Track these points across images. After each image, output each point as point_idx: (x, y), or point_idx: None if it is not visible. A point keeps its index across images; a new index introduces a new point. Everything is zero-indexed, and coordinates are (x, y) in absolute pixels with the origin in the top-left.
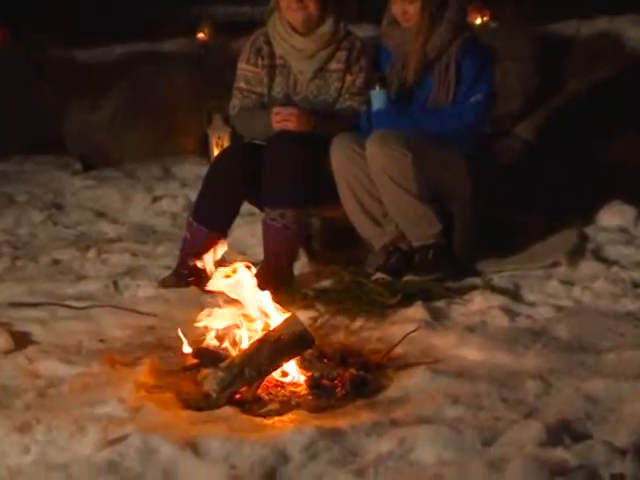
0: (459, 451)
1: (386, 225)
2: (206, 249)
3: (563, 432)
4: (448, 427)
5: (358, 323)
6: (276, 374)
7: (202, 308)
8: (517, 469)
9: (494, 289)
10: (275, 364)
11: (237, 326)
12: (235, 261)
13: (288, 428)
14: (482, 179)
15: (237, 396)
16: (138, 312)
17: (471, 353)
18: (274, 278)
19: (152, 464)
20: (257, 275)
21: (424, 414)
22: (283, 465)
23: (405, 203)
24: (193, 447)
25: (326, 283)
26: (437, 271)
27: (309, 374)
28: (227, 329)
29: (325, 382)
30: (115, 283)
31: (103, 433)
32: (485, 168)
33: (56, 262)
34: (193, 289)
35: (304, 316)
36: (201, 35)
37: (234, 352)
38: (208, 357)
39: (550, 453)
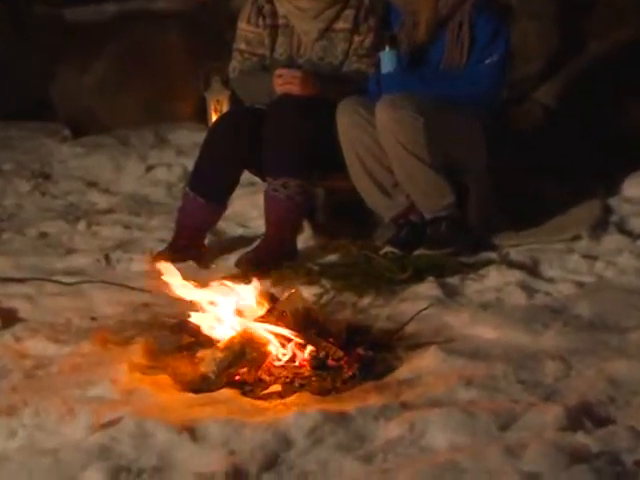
0: (473, 436)
1: (396, 196)
2: (204, 221)
3: (584, 416)
4: (461, 410)
5: (366, 300)
6: (278, 354)
7: (199, 284)
8: (535, 455)
9: (511, 264)
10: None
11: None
12: (234, 239)
13: (291, 411)
14: (498, 146)
15: (237, 377)
16: (131, 288)
17: (486, 332)
18: (276, 252)
19: (146, 449)
20: (258, 249)
21: (436, 397)
22: (286, 450)
23: (416, 172)
24: (190, 431)
25: (332, 258)
26: (450, 245)
27: (313, 354)
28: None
29: (330, 363)
30: (107, 257)
31: (94, 416)
32: (501, 135)
33: (44, 235)
34: (189, 264)
35: (308, 293)
36: None
37: (234, 331)
38: (206, 336)
39: (570, 438)
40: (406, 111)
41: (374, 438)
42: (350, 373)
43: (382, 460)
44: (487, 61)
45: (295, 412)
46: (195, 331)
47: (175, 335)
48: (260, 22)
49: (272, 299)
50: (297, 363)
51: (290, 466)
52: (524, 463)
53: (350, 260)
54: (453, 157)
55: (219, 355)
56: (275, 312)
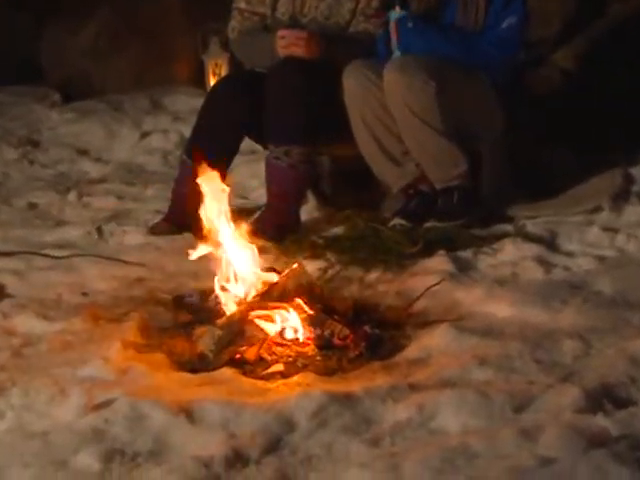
0: (487, 418)
1: (405, 165)
2: (201, 192)
3: (604, 398)
4: (474, 392)
5: (373, 275)
6: (281, 332)
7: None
8: (552, 438)
9: (527, 237)
10: (279, 322)
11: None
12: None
13: (294, 392)
14: (514, 113)
15: (237, 356)
16: (125, 262)
17: (501, 309)
18: (278, 224)
19: (141, 432)
20: (259, 220)
21: (447, 377)
22: (288, 433)
23: (427, 139)
24: (187, 413)
25: (337, 230)
26: (462, 216)
27: (318, 332)
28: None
29: (336, 341)
30: (99, 229)
31: (86, 397)
32: (518, 101)
33: (32, 206)
34: (186, 236)
35: (312, 267)
36: None
37: (234, 307)
38: (204, 312)
39: (589, 421)
40: (417, 75)
41: (381, 420)
42: (356, 352)
43: (390, 444)
44: (504, 25)
45: (298, 393)
46: (193, 307)
47: (171, 312)
48: None
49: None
50: (301, 341)
51: (293, 450)
52: (540, 447)
53: (357, 233)
54: (466, 124)
55: (218, 333)
56: (277, 288)
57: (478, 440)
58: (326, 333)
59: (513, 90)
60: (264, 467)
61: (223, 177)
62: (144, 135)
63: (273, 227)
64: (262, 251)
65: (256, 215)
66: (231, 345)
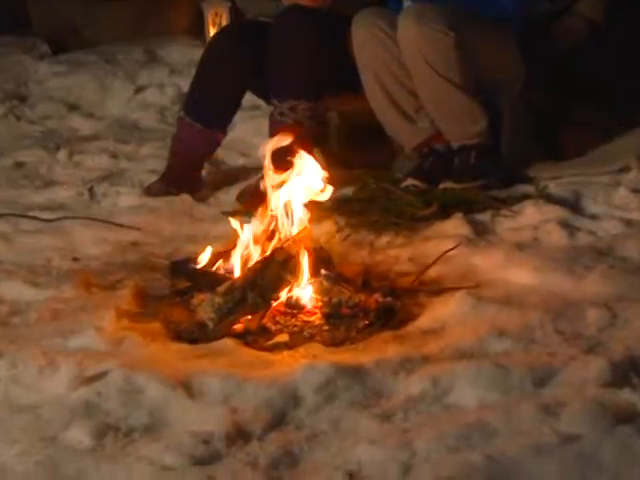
0: (505, 393)
1: (419, 121)
2: (200, 150)
3: (631, 370)
4: (492, 364)
5: (385, 239)
6: (285, 300)
7: (194, 220)
8: (575, 414)
9: (549, 199)
10: (284, 288)
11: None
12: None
13: (300, 364)
14: (536, 66)
15: (238, 326)
16: (119, 225)
17: (521, 276)
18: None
19: (136, 406)
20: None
21: (463, 348)
22: (294, 408)
23: (445, 94)
24: (186, 386)
25: (346, 191)
26: (481, 176)
27: (325, 300)
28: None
29: (344, 310)
30: (91, 190)
31: (78, 369)
32: (541, 52)
33: (19, 165)
34: (184, 197)
35: (320, 230)
36: None
37: (235, 273)
38: (204, 279)
39: (615, 395)
40: (435, 24)
41: (393, 394)
42: (366, 322)
43: (402, 419)
44: None
45: (304, 365)
46: (191, 273)
47: (168, 278)
48: None
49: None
50: (307, 310)
51: (298, 426)
52: (562, 423)
53: (367, 194)
54: (486, 77)
55: (218, 300)
56: (281, 253)
57: (496, 416)
58: (334, 301)
59: (535, 41)
60: (267, 444)
61: (223, 135)
62: (139, 89)
63: None
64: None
65: (260, 175)
66: (232, 314)
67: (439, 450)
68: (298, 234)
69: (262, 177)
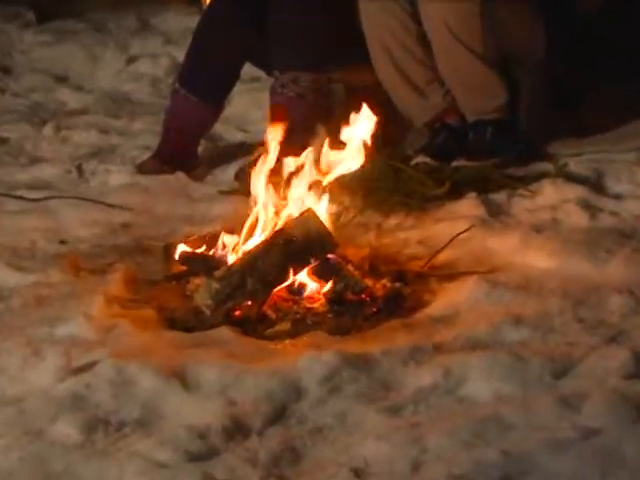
0: (522, 385)
1: (431, 94)
2: (197, 124)
3: None
4: (508, 354)
5: (393, 221)
6: (287, 285)
7: (190, 199)
8: (596, 407)
9: (569, 177)
10: (286, 273)
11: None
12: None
13: (302, 354)
14: (558, 34)
15: (237, 313)
16: (109, 205)
17: (539, 260)
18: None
19: (128, 398)
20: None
21: (477, 337)
22: (296, 401)
23: (466, 65)
24: (180, 378)
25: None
26: (496, 153)
27: (330, 286)
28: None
29: (350, 296)
30: (79, 168)
31: (65, 359)
32: (563, 19)
33: (3, 141)
34: (179, 176)
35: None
36: None
37: (233, 256)
38: (200, 263)
39: (638, 387)
40: None
41: (402, 386)
42: (374, 309)
43: (412, 412)
44: None
45: (307, 355)
46: (186, 256)
47: (162, 262)
48: None
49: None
50: (310, 296)
51: (301, 420)
52: (582, 417)
53: (375, 172)
54: (507, 47)
55: (215, 285)
56: (283, 235)
57: (512, 409)
58: (339, 287)
59: (558, 5)
60: (268, 439)
61: (221, 109)
62: (131, 60)
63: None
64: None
65: (258, 152)
66: (230, 300)
67: (451, 446)
68: (301, 215)
69: (263, 155)
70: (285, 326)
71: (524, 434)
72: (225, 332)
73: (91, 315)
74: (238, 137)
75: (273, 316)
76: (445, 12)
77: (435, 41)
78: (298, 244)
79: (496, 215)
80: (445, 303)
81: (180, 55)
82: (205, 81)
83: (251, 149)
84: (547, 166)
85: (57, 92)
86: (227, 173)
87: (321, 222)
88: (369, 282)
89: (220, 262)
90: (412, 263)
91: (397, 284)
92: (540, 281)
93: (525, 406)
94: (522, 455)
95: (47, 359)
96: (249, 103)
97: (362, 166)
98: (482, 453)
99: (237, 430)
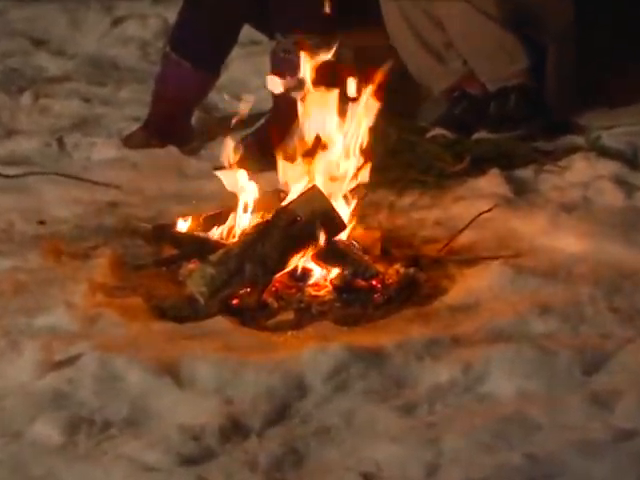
0: (549, 381)
1: (450, 60)
2: (190, 93)
3: None
4: (534, 347)
5: (408, 199)
6: (290, 271)
7: (182, 176)
8: (630, 406)
9: (603, 152)
10: (288, 257)
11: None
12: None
13: (307, 347)
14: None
15: (234, 302)
16: (93, 182)
17: (569, 243)
18: (287, 135)
19: (114, 395)
20: (262, 131)
21: (500, 328)
22: (299, 399)
23: (481, 29)
24: (172, 373)
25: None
26: (521, 125)
27: (337, 272)
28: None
29: (360, 283)
30: (60, 141)
31: (45, 352)
32: None
33: None
34: (170, 150)
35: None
36: None
37: (230, 239)
38: (193, 245)
39: None
40: None
41: (417, 383)
42: (386, 296)
43: (427, 412)
44: None
45: (312, 348)
46: (178, 239)
47: (151, 245)
48: None
49: (280, 198)
50: (315, 282)
51: (304, 419)
52: (616, 417)
53: (387, 146)
54: (528, 9)
55: (210, 271)
56: (285, 215)
57: (538, 408)
58: (347, 273)
59: None
60: (268, 441)
61: (217, 76)
62: (116, 22)
63: (281, 138)
64: (266, 168)
65: (259, 123)
66: (227, 287)
67: (470, 448)
68: (305, 193)
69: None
70: (288, 316)
71: (551, 436)
72: (221, 323)
73: (73, 304)
74: (234, 105)
75: (274, 305)
76: None
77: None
78: (302, 225)
79: (522, 193)
80: (465, 291)
81: (171, 16)
82: (199, 45)
83: (250, 120)
84: (578, 139)
85: (35, 57)
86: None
87: (327, 200)
88: (380, 267)
89: (216, 245)
90: (428, 246)
91: (412, 270)
92: (570, 266)
93: (552, 405)
94: (548, 459)
95: (25, 353)
96: (247, 69)
97: (372, 140)
98: (504, 457)
99: (235, 431)
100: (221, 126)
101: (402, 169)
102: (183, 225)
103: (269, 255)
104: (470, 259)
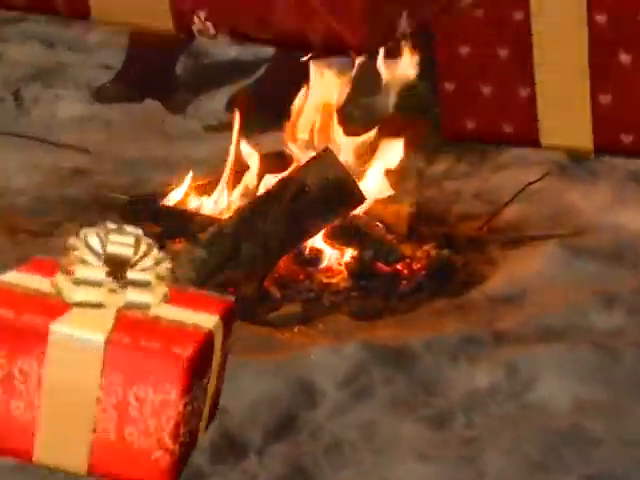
0: (612, 387)
1: None
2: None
3: None
4: (593, 347)
5: (440, 166)
6: (297, 253)
7: (166, 137)
8: None
9: None
10: (295, 236)
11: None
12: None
13: (317, 346)
14: None
15: (229, 291)
16: (56, 145)
17: (637, 219)
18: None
19: None
20: (262, 82)
21: (552, 324)
22: (308, 409)
23: None
24: None
25: (384, 97)
26: None
27: (354, 254)
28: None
29: (381, 268)
30: (16, 94)
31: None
32: None
33: None
34: (151, 105)
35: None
36: None
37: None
38: (179, 222)
39: None
40: None
41: (450, 389)
42: (412, 285)
43: (463, 424)
44: None
45: (324, 347)
46: (160, 213)
47: (128, 221)
48: None
49: (285, 162)
50: (328, 266)
51: (314, 433)
52: None
53: (414, 100)
54: None
55: (200, 253)
56: (291, 185)
57: (598, 420)
58: (366, 255)
59: None
60: (270, 459)
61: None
62: None
63: (284, 90)
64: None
65: (259, 73)
66: (220, 272)
67: (517, 468)
68: (316, 158)
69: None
70: (294, 308)
71: (613, 452)
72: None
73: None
74: (231, 53)
75: (278, 295)
76: None
77: None
78: (311, 197)
79: (579, 160)
80: (509, 278)
81: None
82: None
83: (249, 69)
84: None
85: None
86: (216, 102)
87: (342, 166)
88: (407, 249)
89: (207, 221)
90: (465, 224)
91: (445, 252)
92: (638, 248)
93: (615, 416)
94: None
95: None
96: None
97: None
98: (558, 478)
99: (230, 447)
100: (213, 76)
101: (434, 128)
102: (166, 197)
103: (271, 234)
104: (515, 239)
